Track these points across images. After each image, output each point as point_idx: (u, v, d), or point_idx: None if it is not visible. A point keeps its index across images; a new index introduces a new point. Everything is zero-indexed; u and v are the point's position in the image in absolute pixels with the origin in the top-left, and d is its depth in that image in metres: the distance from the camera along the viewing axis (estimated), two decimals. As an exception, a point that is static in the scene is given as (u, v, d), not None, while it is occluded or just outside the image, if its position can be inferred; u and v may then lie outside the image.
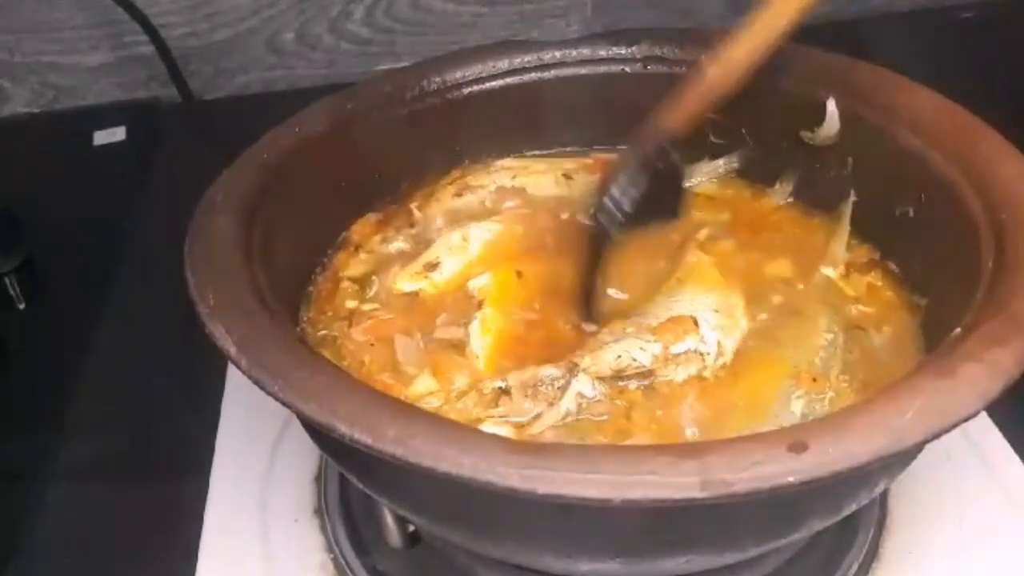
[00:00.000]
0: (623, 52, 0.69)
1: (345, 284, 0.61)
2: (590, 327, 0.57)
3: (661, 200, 0.64)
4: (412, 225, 0.66)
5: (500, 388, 0.52)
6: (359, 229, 0.65)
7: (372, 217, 0.66)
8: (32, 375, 0.78)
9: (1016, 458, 0.64)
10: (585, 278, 0.60)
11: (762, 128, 0.67)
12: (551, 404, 0.52)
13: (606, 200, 0.62)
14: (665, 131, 0.62)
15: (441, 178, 0.69)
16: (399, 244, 0.64)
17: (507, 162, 0.71)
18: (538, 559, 0.50)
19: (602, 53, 0.69)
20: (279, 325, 0.48)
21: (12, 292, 0.85)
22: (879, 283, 0.60)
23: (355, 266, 0.63)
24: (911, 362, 0.54)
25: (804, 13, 0.57)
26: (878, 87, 0.62)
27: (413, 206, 0.67)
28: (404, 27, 1.09)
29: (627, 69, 0.69)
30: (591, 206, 0.64)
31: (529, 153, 0.72)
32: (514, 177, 0.68)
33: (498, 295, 0.58)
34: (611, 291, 0.60)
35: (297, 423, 0.50)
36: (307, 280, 0.62)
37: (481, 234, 0.63)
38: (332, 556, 0.60)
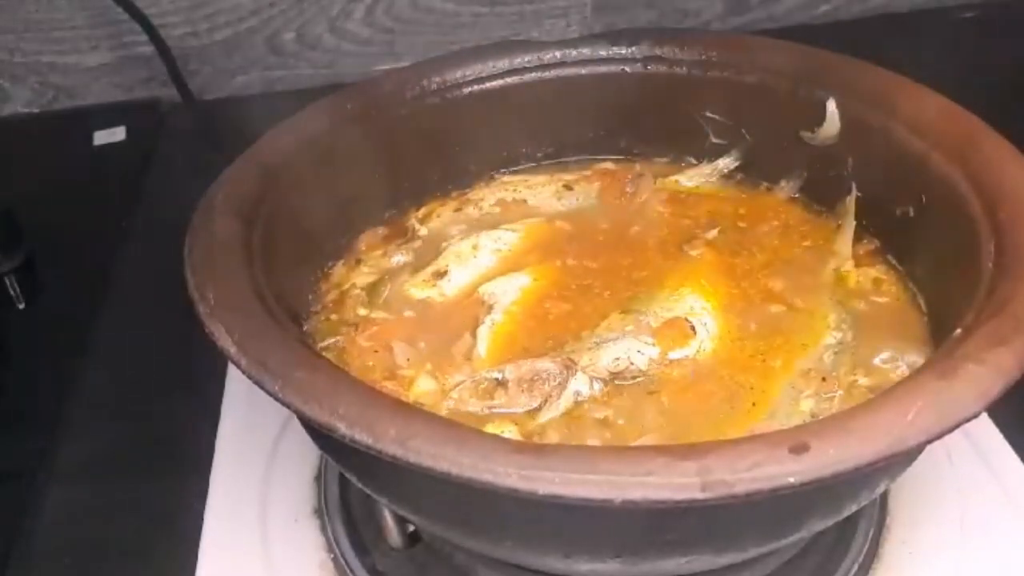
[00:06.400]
0: (623, 52, 0.69)
1: (356, 292, 0.61)
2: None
3: None
4: (412, 239, 0.66)
5: (496, 379, 0.53)
6: (367, 240, 0.65)
7: (380, 231, 0.66)
8: (32, 375, 0.78)
9: (1016, 458, 0.63)
10: None
11: (762, 128, 0.67)
12: (547, 399, 0.52)
13: None
14: None
15: (441, 193, 0.69)
16: (400, 258, 0.64)
17: (507, 177, 0.71)
18: (538, 559, 0.50)
19: (602, 53, 0.69)
20: (279, 325, 0.48)
21: (12, 292, 0.85)
22: (884, 277, 0.60)
23: (357, 278, 0.63)
24: (919, 360, 0.53)
25: None
26: (878, 87, 0.62)
27: (414, 220, 0.67)
28: (404, 27, 1.09)
29: (627, 69, 0.69)
30: None
31: (529, 164, 0.72)
32: (515, 190, 0.69)
33: (507, 301, 0.59)
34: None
35: (297, 423, 0.50)
36: (307, 281, 0.62)
37: (490, 243, 0.63)
38: (332, 556, 0.60)
